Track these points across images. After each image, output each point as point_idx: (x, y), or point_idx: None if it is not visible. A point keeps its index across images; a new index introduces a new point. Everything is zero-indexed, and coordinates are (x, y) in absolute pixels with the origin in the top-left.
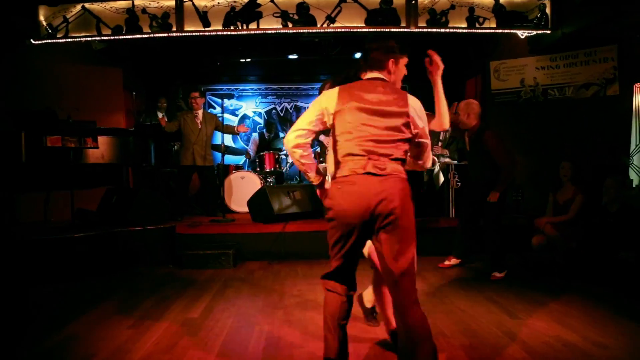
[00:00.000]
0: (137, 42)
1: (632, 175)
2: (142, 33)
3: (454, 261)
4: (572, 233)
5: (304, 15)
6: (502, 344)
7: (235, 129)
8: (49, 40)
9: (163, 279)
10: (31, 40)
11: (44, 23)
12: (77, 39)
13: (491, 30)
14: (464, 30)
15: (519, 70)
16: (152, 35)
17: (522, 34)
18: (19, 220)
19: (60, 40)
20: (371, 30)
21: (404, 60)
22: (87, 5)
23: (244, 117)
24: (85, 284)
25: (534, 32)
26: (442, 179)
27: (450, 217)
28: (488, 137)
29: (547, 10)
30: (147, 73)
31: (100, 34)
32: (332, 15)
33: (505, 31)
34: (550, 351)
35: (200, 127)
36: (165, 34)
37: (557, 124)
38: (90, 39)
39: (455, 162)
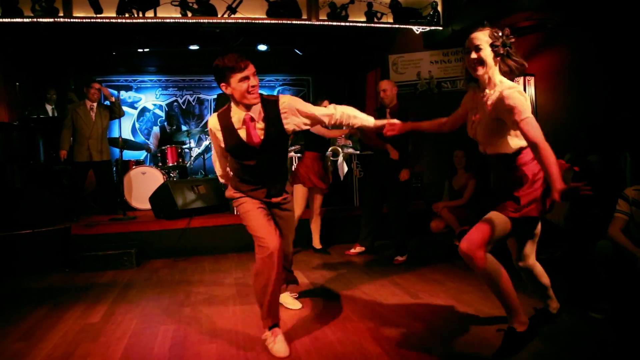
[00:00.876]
0: (18, 26)
1: None
2: (22, 17)
3: (359, 249)
4: (466, 216)
5: (204, 4)
6: (406, 323)
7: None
8: None
9: (58, 285)
10: None
11: None
12: None
13: (388, 25)
14: (363, 25)
15: (415, 64)
16: (34, 19)
17: (416, 29)
18: None
19: None
20: (272, 22)
21: (235, 77)
22: None
23: (144, 110)
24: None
25: (428, 28)
26: (345, 168)
27: (355, 205)
28: (412, 115)
29: (439, 8)
30: (32, 62)
31: None
32: (233, 5)
33: (402, 26)
34: (448, 326)
35: (94, 119)
36: (51, 19)
37: (448, 114)
38: None
39: (358, 152)
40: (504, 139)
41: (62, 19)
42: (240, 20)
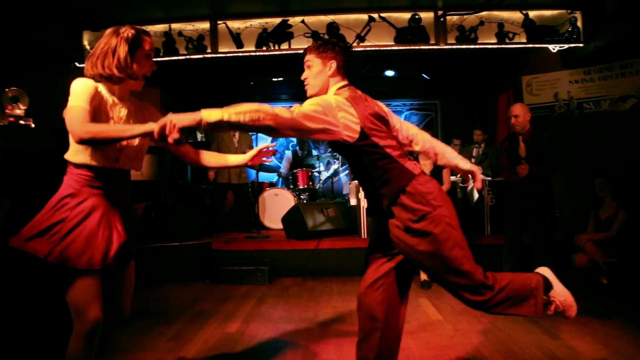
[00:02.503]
0: (173, 63)
1: None
2: (178, 55)
3: None
4: (615, 250)
5: (334, 34)
6: None
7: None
8: None
9: (200, 294)
10: (75, 63)
11: (87, 47)
12: None
13: (521, 45)
14: (494, 46)
15: (552, 84)
16: (188, 56)
17: (553, 48)
18: None
19: None
20: (400, 48)
21: None
22: None
23: None
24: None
25: (566, 46)
26: (476, 195)
27: (486, 234)
28: (545, 133)
29: (579, 24)
30: (183, 92)
31: None
32: (362, 34)
33: (536, 46)
34: None
35: (236, 145)
36: (201, 55)
37: (594, 137)
38: None
39: (490, 178)
40: None
41: (209, 55)
42: (369, 48)
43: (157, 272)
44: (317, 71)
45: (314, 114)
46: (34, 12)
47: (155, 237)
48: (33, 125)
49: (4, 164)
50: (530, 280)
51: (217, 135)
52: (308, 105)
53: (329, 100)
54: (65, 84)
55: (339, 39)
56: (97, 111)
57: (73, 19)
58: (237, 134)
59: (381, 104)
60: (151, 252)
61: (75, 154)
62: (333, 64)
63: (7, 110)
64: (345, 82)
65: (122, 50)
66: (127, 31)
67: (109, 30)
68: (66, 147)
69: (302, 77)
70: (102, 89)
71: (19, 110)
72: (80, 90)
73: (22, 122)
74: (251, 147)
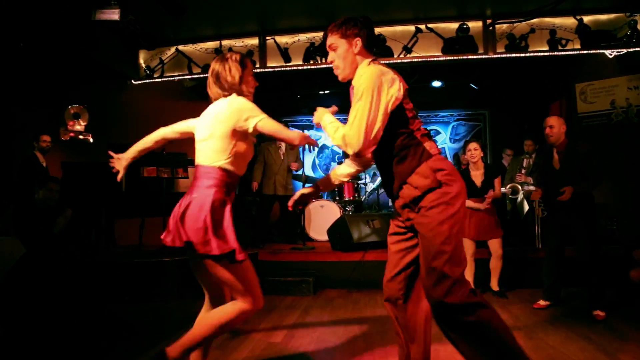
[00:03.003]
0: None
1: None
2: None
3: (544, 303)
4: None
5: (381, 46)
6: None
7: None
8: (147, 80)
9: None
10: (132, 80)
11: (143, 65)
12: (171, 78)
13: (575, 52)
14: (546, 54)
15: (608, 91)
16: None
17: (610, 53)
18: (117, 243)
19: (157, 80)
20: (448, 58)
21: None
22: (180, 47)
23: (323, 147)
24: (174, 305)
25: (624, 51)
26: (526, 207)
27: (537, 247)
28: (583, 146)
29: (639, 27)
30: None
31: (191, 73)
32: (409, 45)
33: (591, 52)
34: None
35: (282, 157)
36: None
37: None
38: (182, 77)
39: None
40: None
41: (258, 69)
42: (415, 60)
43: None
44: (343, 52)
45: (372, 116)
46: (93, 33)
47: None
48: (92, 140)
49: (65, 176)
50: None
51: (264, 148)
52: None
53: (373, 77)
54: (122, 101)
55: (385, 51)
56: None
57: (130, 38)
58: (283, 145)
59: None
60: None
61: (231, 162)
62: (358, 42)
63: (69, 126)
64: (372, 57)
65: (236, 71)
66: (234, 55)
67: (217, 58)
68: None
69: (329, 61)
70: None
71: (79, 126)
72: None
73: (81, 137)
74: (298, 159)
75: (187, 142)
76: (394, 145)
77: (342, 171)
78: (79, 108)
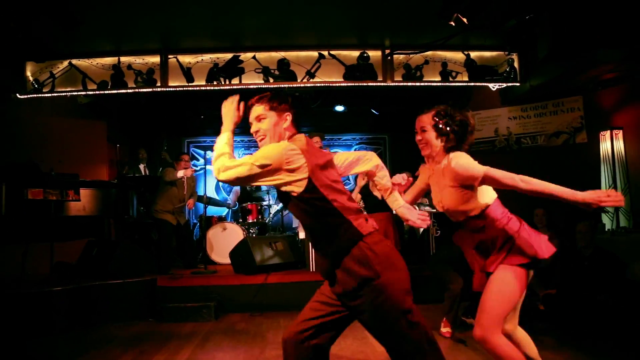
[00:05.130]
0: (122, 96)
1: (605, 219)
2: (127, 88)
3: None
4: (549, 278)
5: (285, 71)
6: None
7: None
8: (35, 95)
9: (142, 333)
10: (17, 94)
11: (31, 78)
12: (63, 94)
13: (464, 84)
14: (438, 84)
15: (492, 120)
16: (137, 90)
17: (493, 86)
18: None
19: (46, 95)
20: (349, 84)
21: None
22: (74, 61)
23: None
24: (63, 338)
25: (504, 85)
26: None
27: None
28: None
29: (515, 64)
30: (132, 126)
31: (86, 89)
32: (312, 70)
33: (477, 84)
34: None
35: (185, 191)
36: (150, 89)
37: (531, 171)
38: (76, 93)
39: (435, 210)
40: (470, 202)
41: (159, 89)
42: (318, 84)
43: (99, 311)
44: (273, 124)
45: (262, 168)
46: None
47: (97, 275)
48: None
49: None
50: None
51: (173, 181)
52: (260, 159)
53: (279, 150)
54: (5, 116)
55: (289, 75)
56: None
57: (14, 48)
58: (186, 180)
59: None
60: (92, 290)
61: None
62: (289, 117)
63: None
64: (296, 132)
65: None
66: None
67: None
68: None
69: (253, 130)
70: None
71: None
72: None
73: None
74: (195, 192)
75: (77, 161)
76: (317, 223)
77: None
78: None
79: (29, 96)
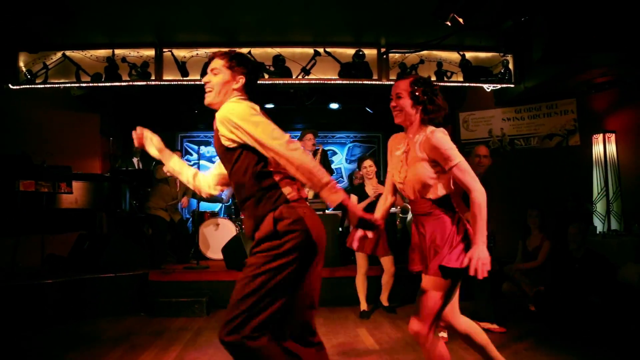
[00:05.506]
0: (115, 89)
1: (596, 221)
2: (121, 81)
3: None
4: (541, 279)
5: (280, 67)
6: None
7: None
8: (28, 86)
9: (133, 328)
10: (9, 85)
11: (24, 69)
12: (56, 85)
13: (458, 84)
14: (435, 84)
15: (486, 121)
16: (131, 83)
17: (487, 87)
18: None
19: (39, 86)
20: (344, 82)
21: None
22: (68, 52)
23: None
24: (53, 332)
25: (499, 86)
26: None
27: None
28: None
29: (510, 66)
30: (125, 119)
31: (79, 81)
32: (307, 67)
33: (472, 84)
34: None
35: (178, 189)
36: (144, 83)
37: (524, 172)
38: (69, 85)
39: None
40: (434, 185)
41: (153, 82)
42: (313, 82)
43: (90, 305)
44: (223, 81)
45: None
46: None
47: (89, 268)
48: None
49: None
50: None
51: (165, 178)
52: (252, 122)
53: (246, 107)
54: None
55: (284, 71)
56: None
57: (7, 39)
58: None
59: None
60: (84, 283)
61: None
62: (241, 80)
63: None
64: (246, 98)
65: None
66: None
67: None
68: None
69: (204, 81)
70: None
71: None
72: None
73: None
74: (189, 189)
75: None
76: (251, 184)
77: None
78: None
79: (21, 87)
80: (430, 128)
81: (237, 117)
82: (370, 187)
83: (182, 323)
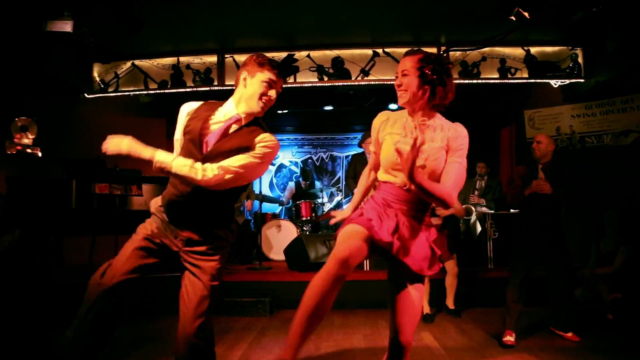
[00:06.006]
0: (180, 95)
1: None
2: (185, 87)
3: (514, 335)
4: (619, 284)
5: (339, 69)
6: None
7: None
8: (101, 94)
9: None
10: (85, 94)
11: (97, 79)
12: (126, 93)
13: (523, 80)
14: (496, 81)
15: (554, 118)
16: (195, 89)
17: (554, 83)
18: (65, 262)
19: (111, 94)
20: None
21: (264, 74)
22: (137, 62)
23: (281, 167)
24: (127, 328)
25: (567, 81)
26: (479, 228)
27: (489, 267)
28: (566, 176)
29: (580, 60)
30: None
31: (147, 88)
32: (366, 68)
33: (538, 81)
34: None
35: None
36: (207, 88)
37: (596, 171)
38: (138, 92)
39: (492, 211)
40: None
41: (216, 87)
42: (373, 82)
43: (159, 303)
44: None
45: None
46: (45, 44)
47: (158, 268)
48: (40, 154)
49: (10, 191)
50: None
51: None
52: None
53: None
54: (73, 115)
55: (343, 73)
56: None
57: (83, 51)
58: None
59: None
60: (154, 282)
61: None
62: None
63: (15, 139)
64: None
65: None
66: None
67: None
68: (71, 175)
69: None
70: None
71: (27, 140)
72: None
73: (29, 150)
74: (253, 192)
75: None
76: (223, 199)
77: None
78: (26, 120)
79: (95, 95)
80: (447, 122)
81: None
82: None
83: (246, 322)
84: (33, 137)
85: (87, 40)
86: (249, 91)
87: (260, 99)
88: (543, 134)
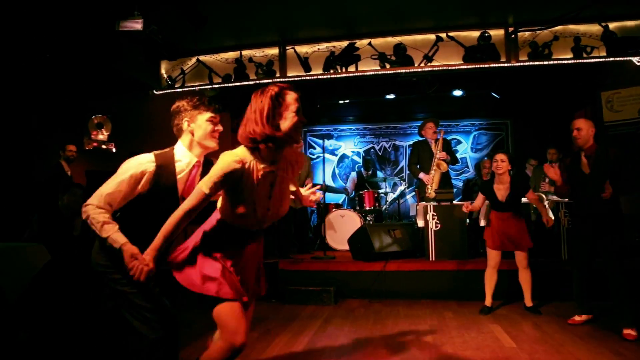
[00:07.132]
0: (244, 88)
1: None
2: (248, 80)
3: (584, 317)
4: None
5: (402, 55)
6: None
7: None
8: (169, 90)
9: (267, 313)
10: (154, 91)
11: (165, 75)
12: (192, 88)
13: (601, 59)
14: (570, 62)
15: (635, 99)
16: (257, 81)
17: (637, 60)
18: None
19: (178, 90)
20: (469, 67)
21: (204, 115)
22: (201, 57)
23: (343, 157)
24: (193, 314)
25: None
26: (552, 217)
27: (563, 258)
28: (612, 150)
29: None
30: None
31: (212, 83)
32: (429, 54)
33: (617, 59)
34: None
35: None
36: (270, 80)
37: None
38: (203, 87)
39: (566, 200)
40: None
41: (278, 79)
42: (436, 68)
43: None
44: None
45: None
46: (116, 44)
47: None
48: (114, 149)
49: (90, 184)
50: None
51: None
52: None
53: None
54: (144, 111)
55: (406, 60)
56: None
57: (152, 49)
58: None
59: None
60: None
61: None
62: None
63: (92, 136)
64: None
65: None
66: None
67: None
68: None
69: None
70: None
71: (102, 136)
72: None
73: (104, 146)
74: (310, 174)
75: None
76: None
77: None
78: (102, 118)
79: (163, 92)
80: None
81: None
82: (500, 186)
83: (311, 310)
84: (108, 133)
85: (155, 38)
86: (199, 133)
87: (212, 136)
88: (581, 118)
